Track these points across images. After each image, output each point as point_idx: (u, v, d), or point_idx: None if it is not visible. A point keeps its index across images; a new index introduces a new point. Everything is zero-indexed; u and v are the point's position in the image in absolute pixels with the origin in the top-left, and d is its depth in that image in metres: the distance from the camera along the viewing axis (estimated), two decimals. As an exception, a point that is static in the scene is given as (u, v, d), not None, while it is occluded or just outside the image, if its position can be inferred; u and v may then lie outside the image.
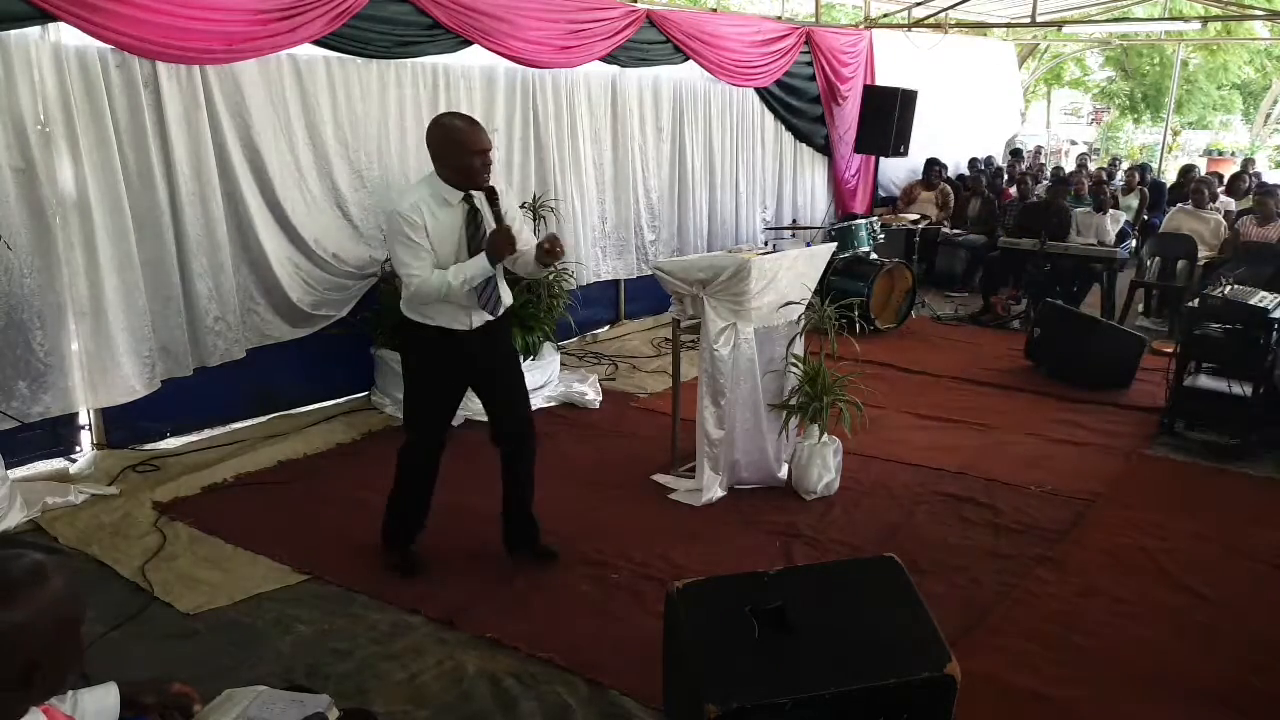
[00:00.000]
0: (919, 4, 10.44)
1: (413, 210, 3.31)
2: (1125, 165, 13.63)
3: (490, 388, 3.72)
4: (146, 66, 4.53)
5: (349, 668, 3.11)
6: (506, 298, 3.59)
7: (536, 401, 5.65)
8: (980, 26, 11.81)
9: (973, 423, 5.59)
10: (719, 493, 4.44)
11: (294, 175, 5.24)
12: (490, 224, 3.40)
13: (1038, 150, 14.23)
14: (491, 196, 3.39)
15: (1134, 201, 9.98)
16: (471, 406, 5.37)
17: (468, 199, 3.40)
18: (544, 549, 3.87)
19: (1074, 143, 20.96)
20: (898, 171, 10.75)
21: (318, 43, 5.00)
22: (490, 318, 3.53)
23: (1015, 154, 12.64)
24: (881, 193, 10.53)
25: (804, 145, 9.23)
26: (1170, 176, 13.05)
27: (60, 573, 1.50)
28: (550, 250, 3.40)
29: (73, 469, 4.60)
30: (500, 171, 6.41)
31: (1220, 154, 19.90)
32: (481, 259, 3.36)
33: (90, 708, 1.77)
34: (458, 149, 3.32)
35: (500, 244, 3.36)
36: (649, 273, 5.96)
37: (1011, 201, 9.85)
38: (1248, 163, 12.63)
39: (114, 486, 4.41)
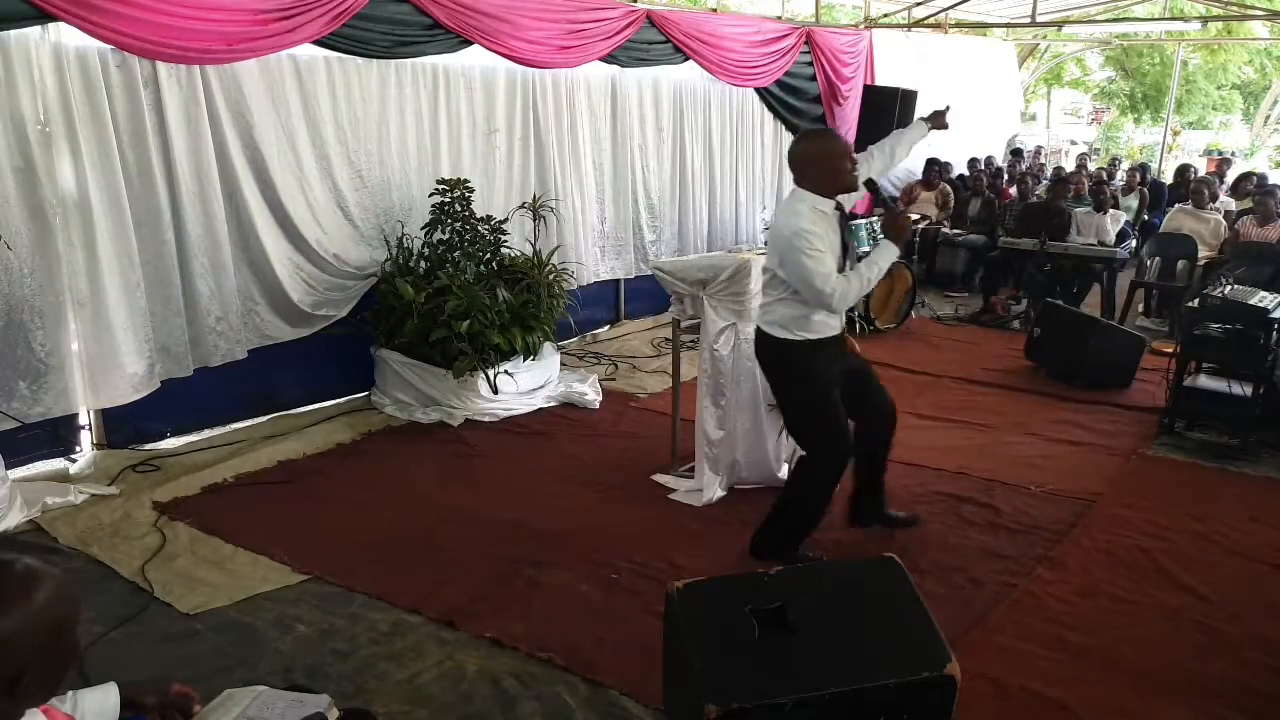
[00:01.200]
0: (919, 4, 10.45)
1: (812, 224, 3.42)
2: (1125, 165, 13.63)
3: (853, 378, 3.79)
4: (146, 66, 4.53)
5: (349, 668, 3.11)
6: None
7: (536, 401, 5.67)
8: (980, 26, 11.82)
9: (973, 423, 5.59)
10: (719, 493, 4.44)
11: (295, 175, 5.25)
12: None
13: (1038, 150, 14.23)
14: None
15: (1134, 202, 9.98)
16: (472, 406, 5.42)
17: (838, 205, 3.55)
18: (899, 518, 4.06)
19: (1074, 143, 20.95)
20: (897, 170, 10.74)
21: (318, 43, 5.00)
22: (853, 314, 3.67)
23: (1016, 154, 12.64)
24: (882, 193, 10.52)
25: (804, 145, 9.22)
26: (1170, 177, 13.06)
27: (51, 579, 1.48)
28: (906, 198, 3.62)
29: (73, 469, 4.60)
30: (501, 172, 6.44)
31: (1220, 154, 19.89)
32: (890, 246, 3.50)
33: (91, 708, 1.77)
34: (838, 159, 3.49)
35: (903, 225, 3.54)
36: (649, 273, 5.96)
37: (1011, 201, 9.85)
38: (1224, 162, 12.73)
39: (114, 486, 4.41)
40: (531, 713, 2.90)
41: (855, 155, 3.64)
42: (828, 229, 3.48)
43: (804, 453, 3.79)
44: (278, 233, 5.24)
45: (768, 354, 3.73)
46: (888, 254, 3.50)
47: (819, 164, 3.49)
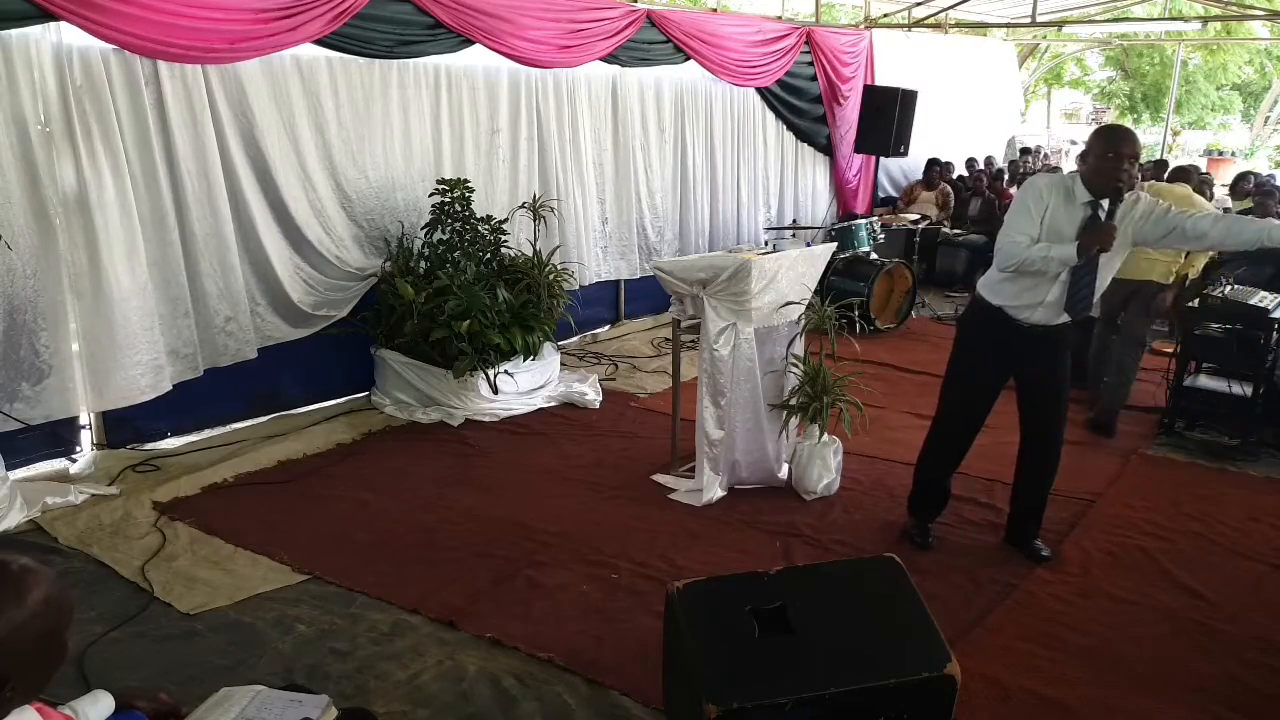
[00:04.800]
0: (919, 4, 10.45)
1: (1047, 187, 3.48)
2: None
3: (1030, 384, 3.84)
4: (148, 66, 4.53)
5: (349, 668, 3.11)
6: (1091, 307, 3.68)
7: (536, 401, 5.67)
8: (980, 26, 11.82)
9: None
10: (719, 493, 4.44)
11: (298, 175, 5.25)
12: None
13: (1037, 150, 14.23)
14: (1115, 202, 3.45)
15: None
16: (472, 406, 5.42)
17: (1094, 204, 3.47)
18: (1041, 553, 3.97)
19: (1074, 143, 20.94)
20: (897, 171, 10.76)
21: (320, 42, 5.00)
22: (1060, 320, 3.64)
23: (1025, 151, 12.58)
24: (881, 193, 10.54)
25: (805, 145, 9.23)
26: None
27: (41, 584, 1.48)
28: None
29: (73, 469, 4.60)
30: (504, 173, 6.44)
31: (1220, 154, 19.88)
32: (1070, 245, 3.42)
33: (92, 716, 1.77)
34: (1100, 147, 3.42)
35: (1095, 234, 3.40)
36: (650, 273, 5.97)
37: (1012, 201, 9.84)
38: (1194, 169, 12.66)
39: (114, 486, 4.41)
40: (531, 713, 2.90)
41: (1136, 171, 3.51)
42: (1068, 215, 3.49)
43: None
44: (278, 233, 5.24)
45: (967, 306, 3.98)
46: (1062, 248, 3.46)
47: (1088, 156, 3.50)
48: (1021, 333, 3.67)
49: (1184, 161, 14.82)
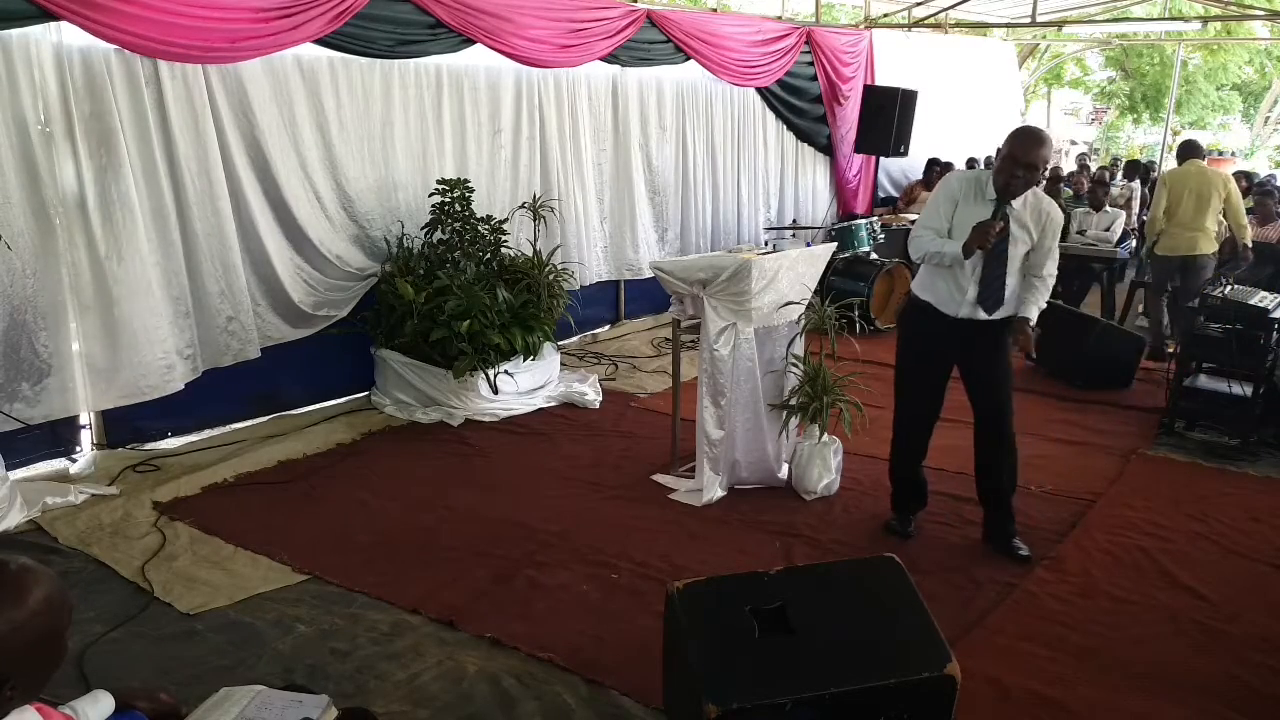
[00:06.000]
0: (919, 4, 10.45)
1: (960, 184, 3.61)
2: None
3: (970, 375, 3.93)
4: (149, 65, 4.53)
5: (349, 668, 3.11)
6: (1006, 308, 3.75)
7: (536, 401, 5.67)
8: (980, 26, 11.82)
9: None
10: (719, 493, 4.44)
11: (299, 175, 5.25)
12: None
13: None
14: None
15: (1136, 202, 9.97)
16: (472, 406, 5.42)
17: (997, 203, 3.57)
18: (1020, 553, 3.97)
19: (1074, 143, 20.96)
20: (898, 172, 10.75)
21: (321, 42, 5.00)
22: (983, 315, 3.74)
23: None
24: (881, 193, 10.53)
25: (805, 145, 9.24)
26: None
27: (41, 584, 1.48)
28: (1017, 342, 3.75)
29: (73, 469, 4.60)
30: (507, 173, 6.44)
31: (1220, 154, 19.88)
32: (958, 243, 3.59)
33: (92, 716, 1.77)
34: (1004, 147, 3.56)
35: (976, 234, 3.54)
36: (650, 273, 5.97)
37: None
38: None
39: (114, 486, 4.41)
40: (531, 713, 2.90)
41: (1037, 176, 3.63)
42: (974, 212, 3.62)
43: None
44: (279, 232, 5.24)
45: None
46: (950, 244, 3.65)
47: (997, 158, 3.64)
48: (952, 325, 3.78)
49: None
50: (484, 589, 3.61)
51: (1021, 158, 3.50)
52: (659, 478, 4.66)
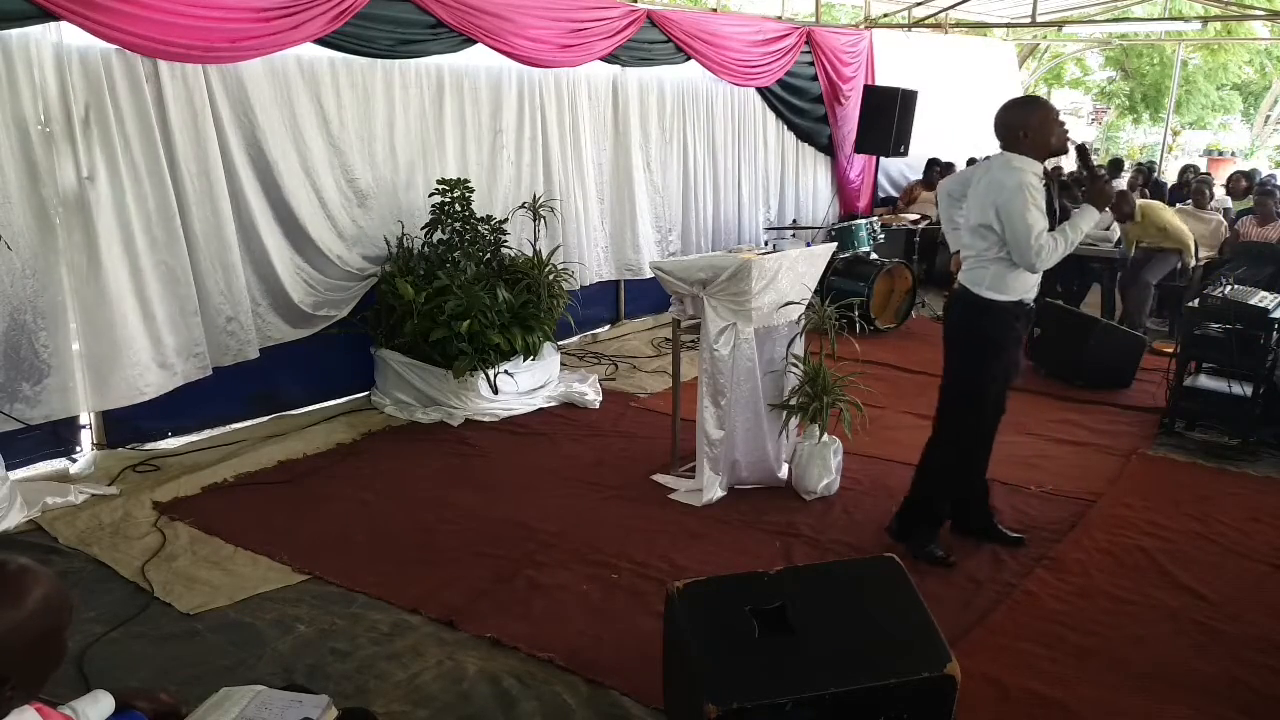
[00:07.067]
0: (919, 4, 10.45)
1: (1037, 179, 3.57)
2: (1127, 165, 13.60)
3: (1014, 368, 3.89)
4: (149, 65, 4.53)
5: (349, 668, 3.11)
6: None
7: (536, 401, 5.67)
8: (980, 26, 11.82)
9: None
10: (719, 493, 4.44)
11: (299, 175, 5.25)
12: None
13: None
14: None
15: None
16: (472, 406, 5.42)
17: (1047, 174, 3.65)
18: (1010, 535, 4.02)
19: (1074, 143, 20.90)
20: (897, 173, 10.74)
21: (321, 42, 5.00)
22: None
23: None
24: (881, 193, 10.53)
25: (805, 145, 9.23)
26: (1171, 177, 13.04)
27: (40, 584, 1.48)
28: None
29: (73, 469, 4.60)
30: (509, 173, 6.44)
31: (1220, 154, 19.87)
32: (1090, 210, 3.61)
33: (92, 716, 1.77)
34: (1056, 125, 3.59)
35: (1105, 190, 3.64)
36: (650, 273, 5.97)
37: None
38: (1192, 170, 12.69)
39: (114, 486, 4.41)
40: (531, 713, 2.90)
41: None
42: (1041, 190, 3.58)
43: (941, 431, 3.91)
44: (279, 232, 5.24)
45: (970, 315, 3.76)
46: (1089, 217, 3.61)
47: (1044, 134, 3.59)
48: (1029, 314, 3.82)
49: (1184, 162, 14.84)
50: (484, 589, 3.61)
51: (1056, 114, 3.64)
52: (659, 478, 4.67)
